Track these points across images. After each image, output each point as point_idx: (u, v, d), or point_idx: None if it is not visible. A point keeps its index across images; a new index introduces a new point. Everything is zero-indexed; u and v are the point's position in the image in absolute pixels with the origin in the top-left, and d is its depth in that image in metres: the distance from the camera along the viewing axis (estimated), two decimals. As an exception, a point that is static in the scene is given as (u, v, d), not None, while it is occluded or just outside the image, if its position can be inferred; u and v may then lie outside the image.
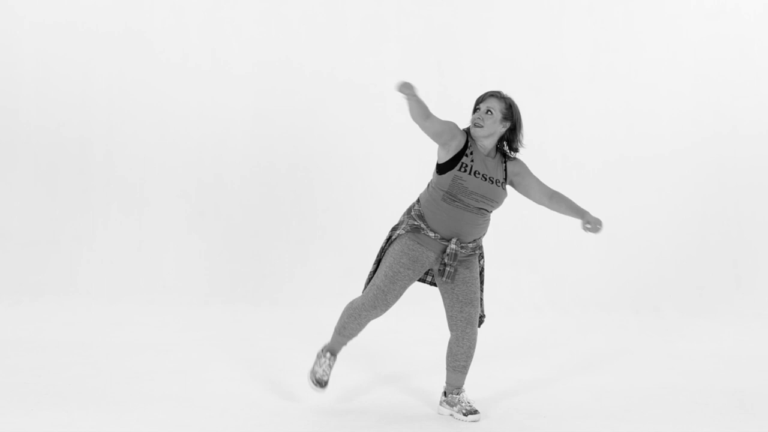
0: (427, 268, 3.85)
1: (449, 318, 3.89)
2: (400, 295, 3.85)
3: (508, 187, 3.93)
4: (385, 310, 3.85)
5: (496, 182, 3.78)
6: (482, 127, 3.77)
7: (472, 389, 4.20)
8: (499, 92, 3.88)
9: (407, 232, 3.82)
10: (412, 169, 6.32)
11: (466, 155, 3.75)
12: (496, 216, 6.49)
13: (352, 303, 3.90)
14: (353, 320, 3.87)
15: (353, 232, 6.65)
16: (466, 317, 3.85)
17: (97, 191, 6.81)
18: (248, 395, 4.19)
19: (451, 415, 3.90)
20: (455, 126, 3.79)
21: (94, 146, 6.82)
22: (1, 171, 6.84)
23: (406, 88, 3.66)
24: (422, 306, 5.42)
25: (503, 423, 3.83)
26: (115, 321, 5.81)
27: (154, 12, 6.78)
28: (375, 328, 4.22)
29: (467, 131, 3.83)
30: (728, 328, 5.72)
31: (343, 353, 4.17)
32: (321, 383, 3.89)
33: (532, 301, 6.26)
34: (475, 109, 3.83)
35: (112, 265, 6.66)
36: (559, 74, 6.66)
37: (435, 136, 3.73)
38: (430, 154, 6.57)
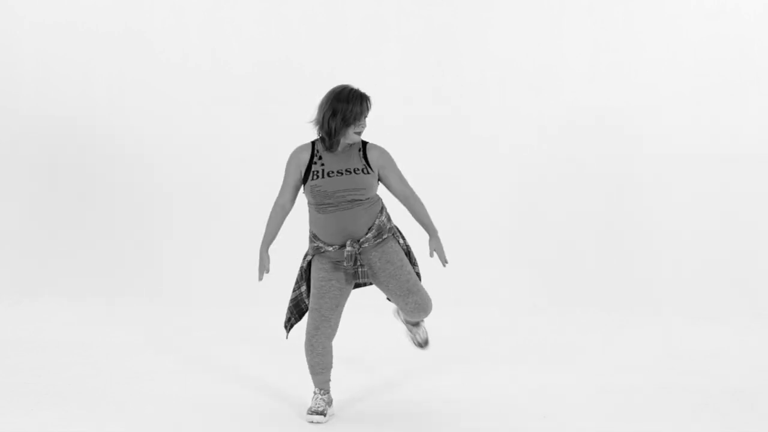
0: (350, 276, 3.82)
1: (400, 309, 3.95)
2: (338, 306, 3.85)
3: None
4: (329, 325, 3.83)
5: (354, 171, 3.78)
6: (362, 133, 3.87)
7: (471, 390, 4.18)
8: (368, 94, 3.93)
9: (313, 255, 3.90)
10: (411, 168, 6.31)
11: (315, 163, 3.81)
12: (497, 216, 6.54)
13: (304, 341, 3.91)
14: (311, 353, 3.86)
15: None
16: (414, 306, 3.87)
17: (97, 191, 6.81)
18: (248, 395, 4.19)
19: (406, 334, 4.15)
20: (293, 156, 3.88)
21: (94, 146, 6.81)
22: (1, 171, 6.84)
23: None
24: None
25: (504, 423, 3.83)
26: (115, 321, 5.81)
27: (154, 12, 6.78)
28: (372, 329, 4.22)
29: (313, 142, 3.88)
30: (728, 328, 5.71)
31: (340, 356, 4.16)
32: (317, 412, 3.83)
33: (532, 301, 6.25)
34: (359, 117, 3.83)
35: (112, 265, 6.66)
36: (559, 74, 6.65)
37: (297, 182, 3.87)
38: (430, 154, 6.60)
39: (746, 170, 6.55)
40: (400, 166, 3.96)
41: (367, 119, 3.86)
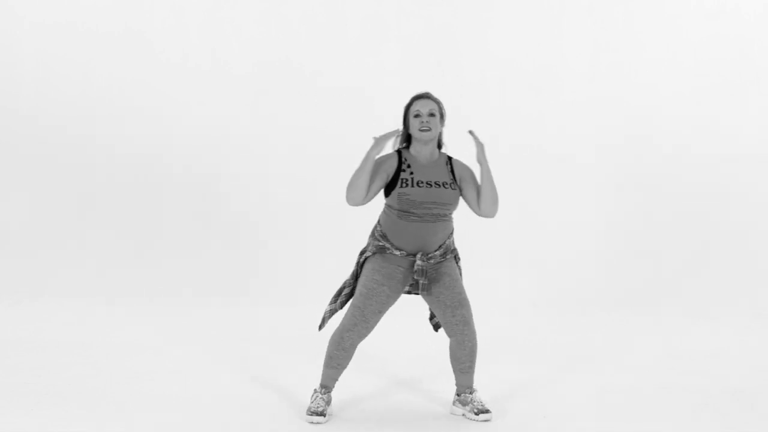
0: (403, 284, 3.83)
1: (444, 324, 3.88)
2: (380, 312, 3.83)
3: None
4: (366, 328, 3.82)
5: (443, 185, 3.77)
6: (430, 130, 3.78)
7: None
8: (428, 93, 3.90)
9: (374, 253, 3.85)
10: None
11: (403, 170, 3.77)
12: (496, 215, 6.54)
13: (334, 332, 3.89)
14: (336, 346, 3.84)
15: (353, 231, 6.64)
16: (460, 320, 3.84)
17: (98, 191, 6.82)
18: (248, 395, 4.19)
19: (464, 414, 3.90)
20: (380, 159, 3.80)
21: (95, 146, 6.83)
22: (1, 171, 6.85)
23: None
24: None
25: (504, 423, 3.82)
26: (115, 321, 5.81)
27: (154, 12, 6.79)
28: (383, 328, 4.21)
29: (399, 150, 3.84)
30: (728, 328, 5.72)
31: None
32: (316, 413, 3.80)
33: (532, 301, 6.26)
34: (415, 115, 3.80)
35: (112, 265, 6.66)
36: (559, 74, 6.66)
37: (378, 188, 3.79)
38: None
39: (746, 170, 6.57)
40: None
41: (432, 116, 3.79)
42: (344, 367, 3.90)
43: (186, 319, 5.88)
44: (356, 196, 3.72)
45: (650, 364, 4.86)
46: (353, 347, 3.85)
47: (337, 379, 3.93)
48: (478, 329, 4.31)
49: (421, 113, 3.79)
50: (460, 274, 3.96)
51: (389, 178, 3.79)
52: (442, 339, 5.00)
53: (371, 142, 3.75)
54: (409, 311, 5.06)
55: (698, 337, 5.51)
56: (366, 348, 4.38)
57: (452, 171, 3.84)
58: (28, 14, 6.80)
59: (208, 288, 6.52)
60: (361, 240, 6.47)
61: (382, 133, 3.81)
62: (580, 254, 6.52)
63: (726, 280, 6.38)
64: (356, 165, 3.77)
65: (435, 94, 6.76)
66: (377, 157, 3.78)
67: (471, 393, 3.92)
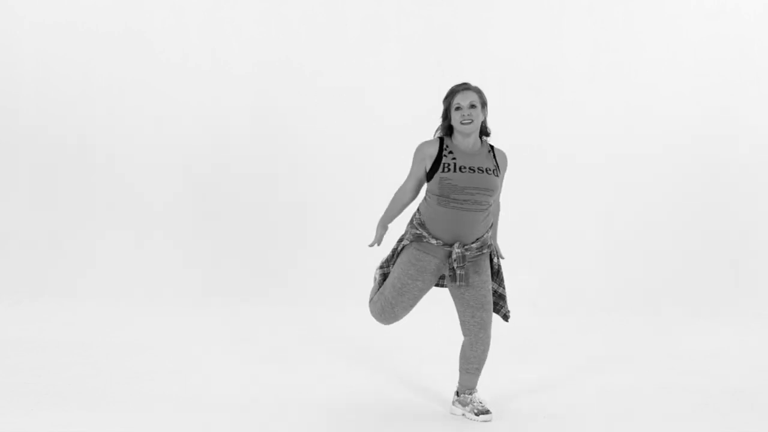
0: (436, 276, 3.85)
1: (462, 323, 3.87)
2: (411, 306, 3.88)
3: None
4: (394, 319, 3.91)
5: (486, 171, 3.76)
6: (472, 122, 3.77)
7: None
8: (467, 84, 3.86)
9: (411, 242, 3.84)
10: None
11: (445, 155, 3.76)
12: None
13: (369, 303, 4.00)
14: (377, 316, 3.95)
15: (353, 231, 6.64)
16: (478, 322, 3.83)
17: (97, 191, 6.82)
18: (248, 395, 4.19)
19: (463, 414, 3.90)
20: (419, 148, 3.83)
21: (95, 146, 6.83)
22: (2, 171, 6.85)
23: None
24: (438, 305, 5.41)
25: (504, 423, 3.82)
26: (115, 321, 5.81)
27: (154, 12, 6.79)
28: (386, 327, 4.21)
29: (440, 137, 3.84)
30: (728, 328, 5.72)
31: (351, 350, 4.15)
32: (483, 411, 3.84)
33: (532, 302, 6.25)
34: (456, 108, 3.78)
35: (112, 265, 6.66)
36: (559, 74, 6.66)
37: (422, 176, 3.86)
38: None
39: (745, 170, 6.56)
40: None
41: (473, 107, 3.77)
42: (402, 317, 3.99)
43: (186, 319, 5.89)
44: (404, 208, 3.92)
45: (650, 364, 4.86)
46: (390, 323, 3.97)
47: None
48: (507, 323, 4.30)
49: (462, 106, 3.77)
50: (499, 272, 3.96)
51: (430, 165, 3.78)
52: (443, 339, 5.00)
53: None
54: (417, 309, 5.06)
55: (698, 337, 5.51)
56: (368, 347, 4.39)
57: (495, 158, 3.83)
58: (28, 14, 6.80)
59: (209, 288, 6.52)
60: (366, 239, 6.49)
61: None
62: (580, 254, 6.52)
63: (726, 279, 6.38)
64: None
65: (435, 93, 6.74)
66: (418, 147, 3.84)
67: (471, 394, 3.92)
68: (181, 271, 6.62)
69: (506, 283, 6.52)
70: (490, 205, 3.80)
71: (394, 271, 3.87)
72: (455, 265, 3.73)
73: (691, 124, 6.60)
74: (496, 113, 6.75)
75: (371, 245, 3.98)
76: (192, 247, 6.72)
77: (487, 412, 3.84)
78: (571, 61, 6.66)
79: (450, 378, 4.26)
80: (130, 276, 6.60)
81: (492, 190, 3.76)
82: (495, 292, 3.99)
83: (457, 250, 3.73)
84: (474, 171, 3.72)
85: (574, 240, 6.54)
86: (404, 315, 3.91)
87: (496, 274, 3.96)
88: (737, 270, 6.41)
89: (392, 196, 3.95)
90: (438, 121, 3.89)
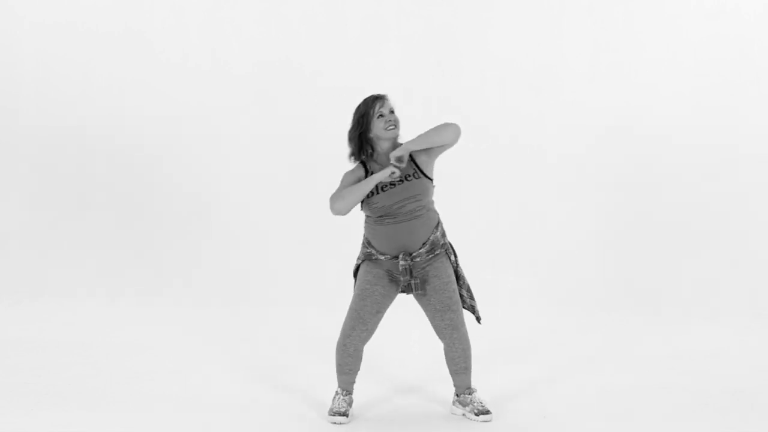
0: (396, 284, 3.85)
1: (434, 328, 3.89)
2: (378, 312, 3.85)
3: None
4: (366, 329, 3.84)
5: (406, 178, 3.78)
6: (395, 126, 3.83)
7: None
8: (382, 94, 3.91)
9: (363, 261, 3.90)
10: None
11: None
12: (496, 216, 6.54)
13: (338, 338, 3.91)
14: (342, 352, 3.86)
15: (352, 233, 6.64)
16: (449, 324, 3.83)
17: (97, 191, 6.82)
18: (248, 395, 4.20)
19: (464, 414, 3.90)
20: (348, 172, 3.87)
21: (94, 146, 6.83)
22: (1, 171, 6.85)
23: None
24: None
25: (504, 423, 3.83)
26: (115, 321, 5.82)
27: (154, 12, 6.79)
28: (384, 330, 4.22)
29: (362, 161, 3.86)
30: (728, 328, 5.72)
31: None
32: (339, 413, 3.82)
33: (532, 301, 6.24)
34: (379, 116, 3.80)
35: (112, 265, 6.66)
36: (559, 74, 6.66)
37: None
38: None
39: (745, 170, 6.56)
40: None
41: (392, 113, 3.83)
42: (356, 371, 3.92)
43: (186, 319, 5.89)
44: (344, 209, 3.78)
45: (650, 364, 4.86)
46: (358, 351, 3.87)
47: (353, 382, 3.94)
48: (478, 329, 4.31)
49: (384, 113, 3.82)
50: (457, 268, 3.95)
51: None
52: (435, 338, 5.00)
53: (389, 170, 3.73)
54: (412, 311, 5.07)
55: (698, 337, 5.51)
56: (367, 347, 4.38)
57: (413, 159, 3.84)
58: (28, 14, 6.81)
59: (209, 288, 6.52)
60: (361, 241, 6.50)
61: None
62: (579, 254, 6.52)
63: (726, 280, 6.38)
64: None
65: (435, 95, 6.73)
66: (346, 173, 3.87)
67: (470, 393, 3.92)
68: (181, 271, 6.62)
69: (506, 283, 6.57)
70: (427, 209, 3.81)
71: (355, 285, 3.91)
72: (402, 278, 3.76)
73: (691, 123, 6.59)
74: (496, 113, 6.77)
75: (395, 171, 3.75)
76: (192, 247, 6.72)
77: (488, 412, 3.84)
78: (571, 61, 6.66)
79: (443, 376, 4.26)
80: (130, 276, 6.60)
81: (419, 194, 3.78)
82: (461, 297, 3.96)
83: (402, 263, 3.75)
84: (395, 185, 3.76)
85: (574, 240, 6.54)
86: (375, 323, 3.86)
87: (455, 270, 3.94)
88: (738, 270, 6.41)
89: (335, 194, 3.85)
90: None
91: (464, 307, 3.97)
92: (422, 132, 3.82)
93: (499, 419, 3.86)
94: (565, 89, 6.63)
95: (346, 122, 6.68)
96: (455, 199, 6.44)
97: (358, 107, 3.89)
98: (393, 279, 3.84)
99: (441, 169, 6.52)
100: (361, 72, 6.73)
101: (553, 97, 6.62)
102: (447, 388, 4.22)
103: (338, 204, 3.78)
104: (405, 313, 4.57)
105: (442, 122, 3.87)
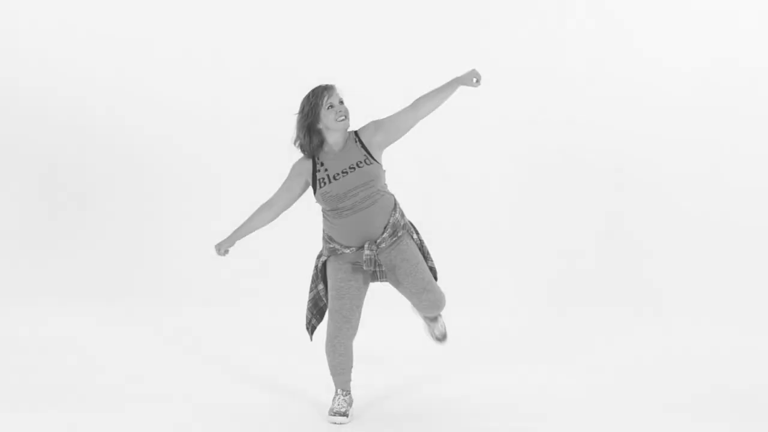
0: (367, 273, 3.87)
1: (414, 306, 3.97)
2: (358, 307, 3.87)
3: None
4: (350, 326, 3.85)
5: (357, 164, 3.77)
6: (346, 117, 3.83)
7: (468, 390, 4.22)
8: (330, 84, 3.90)
9: (328, 257, 3.90)
10: (409, 171, 6.33)
11: (319, 171, 3.82)
12: (495, 215, 6.54)
13: (325, 342, 3.92)
14: (332, 353, 3.88)
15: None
16: (427, 303, 3.90)
17: (97, 190, 6.83)
18: (245, 395, 4.22)
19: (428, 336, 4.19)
20: (294, 165, 3.94)
21: (93, 147, 6.85)
22: (0, 170, 6.86)
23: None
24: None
25: (503, 423, 3.84)
26: (113, 322, 5.83)
27: (155, 12, 6.82)
28: (375, 329, 4.24)
29: (312, 150, 3.87)
30: (728, 328, 5.72)
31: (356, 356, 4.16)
32: (339, 413, 3.84)
33: (529, 301, 6.22)
34: (329, 107, 3.80)
35: (111, 266, 6.67)
36: (558, 75, 6.68)
37: (297, 195, 3.95)
38: (422, 157, 6.60)
39: (744, 170, 6.58)
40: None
41: (342, 103, 3.84)
42: (350, 368, 3.94)
43: (186, 319, 5.90)
44: (262, 225, 4.03)
45: (648, 363, 4.87)
46: (348, 349, 3.89)
47: (349, 380, 3.96)
48: (478, 329, 4.32)
49: (334, 104, 3.81)
50: (422, 245, 3.95)
51: (308, 183, 3.86)
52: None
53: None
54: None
55: (698, 337, 5.52)
56: (361, 347, 4.40)
57: (362, 145, 3.84)
58: (28, 14, 6.83)
59: (208, 288, 6.52)
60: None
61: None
62: (578, 254, 6.52)
63: (725, 280, 6.39)
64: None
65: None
66: (293, 164, 3.94)
67: (434, 320, 4.11)
68: (180, 270, 6.63)
69: (504, 281, 6.56)
70: (381, 193, 3.80)
71: (329, 285, 3.90)
72: (366, 267, 3.76)
73: (689, 123, 6.62)
74: (492, 113, 6.78)
75: (218, 252, 4.06)
76: (192, 247, 6.72)
77: (444, 338, 4.14)
78: (569, 63, 6.69)
79: (442, 379, 4.28)
80: (130, 276, 6.60)
81: (372, 180, 3.77)
82: (431, 268, 4.01)
83: (367, 252, 3.75)
84: (347, 173, 3.76)
85: (573, 239, 6.54)
86: (357, 317, 3.89)
87: (420, 249, 3.95)
88: (736, 270, 6.42)
89: (255, 209, 3.99)
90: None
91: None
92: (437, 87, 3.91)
93: (499, 419, 3.87)
94: (563, 90, 6.65)
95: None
96: (454, 198, 6.48)
97: (307, 96, 3.86)
98: (362, 270, 3.84)
99: (440, 169, 6.58)
100: (357, 75, 6.75)
101: (551, 98, 6.65)
102: (446, 387, 4.24)
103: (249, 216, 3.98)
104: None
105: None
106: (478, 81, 3.94)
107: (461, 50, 6.71)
